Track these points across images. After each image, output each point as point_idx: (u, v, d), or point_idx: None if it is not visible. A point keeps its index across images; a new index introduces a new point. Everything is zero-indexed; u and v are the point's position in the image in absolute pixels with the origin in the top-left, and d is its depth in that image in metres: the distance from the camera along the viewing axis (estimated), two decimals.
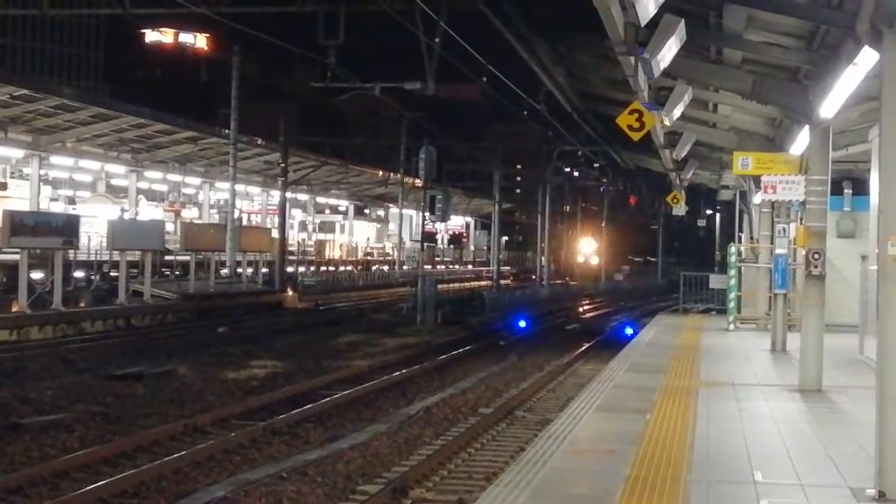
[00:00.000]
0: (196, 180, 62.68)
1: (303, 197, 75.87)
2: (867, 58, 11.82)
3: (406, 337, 37.91)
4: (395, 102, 54.22)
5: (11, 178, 53.21)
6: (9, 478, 14.40)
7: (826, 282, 17.69)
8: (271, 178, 63.00)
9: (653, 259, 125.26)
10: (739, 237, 41.16)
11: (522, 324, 44.26)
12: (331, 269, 67.72)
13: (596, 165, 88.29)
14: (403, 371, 27.15)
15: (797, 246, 26.00)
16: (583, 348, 35.89)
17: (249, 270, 51.55)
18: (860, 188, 30.80)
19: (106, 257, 42.15)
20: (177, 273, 46.89)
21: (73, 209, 53.96)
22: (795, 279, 26.75)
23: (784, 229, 23.65)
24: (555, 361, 31.68)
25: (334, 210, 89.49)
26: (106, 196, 59.82)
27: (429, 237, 51.08)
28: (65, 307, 34.61)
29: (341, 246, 78.30)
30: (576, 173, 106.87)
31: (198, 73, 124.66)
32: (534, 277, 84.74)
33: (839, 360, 19.66)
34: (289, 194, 57.54)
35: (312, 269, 65.44)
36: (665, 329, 31.74)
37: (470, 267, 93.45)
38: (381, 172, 74.18)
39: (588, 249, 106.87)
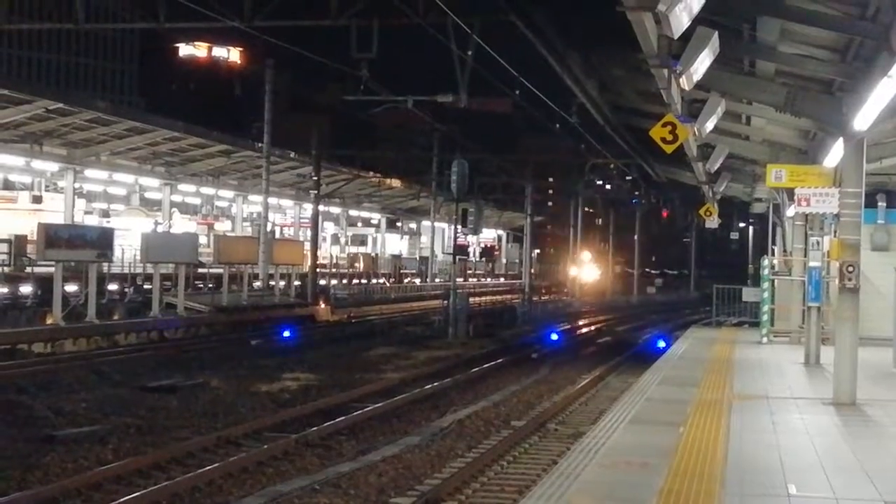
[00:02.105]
0: (229, 193, 62.96)
1: (335, 210, 76.06)
2: None
3: (438, 350, 37.90)
4: (427, 115, 54.27)
5: (46, 191, 53.61)
6: (44, 489, 14.47)
7: (860, 295, 17.59)
8: (304, 192, 63.17)
9: (684, 272, 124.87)
10: (772, 250, 40.96)
11: (554, 336, 44.21)
12: (363, 281, 67.74)
13: (628, 178, 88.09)
14: (435, 384, 27.14)
15: (831, 259, 25.86)
16: (615, 361, 35.84)
17: (282, 283, 51.62)
18: (894, 201, 30.64)
19: (139, 270, 42.32)
20: (210, 286, 47.02)
21: (108, 222, 54.30)
22: (829, 292, 26.60)
23: (818, 242, 23.54)
24: (587, 374, 31.63)
25: (366, 223, 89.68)
26: (140, 209, 60.19)
27: (461, 250, 50.98)
28: (99, 320, 34.74)
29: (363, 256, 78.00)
30: (608, 186, 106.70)
31: (231, 86, 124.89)
32: (566, 290, 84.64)
33: (873, 374, 19.54)
34: (321, 207, 57.63)
35: (345, 281, 65.52)
36: (698, 342, 31.61)
37: (502, 280, 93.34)
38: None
39: (587, 263, 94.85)
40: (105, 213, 60.54)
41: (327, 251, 72.60)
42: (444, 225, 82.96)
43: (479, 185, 76.45)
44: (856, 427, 15.43)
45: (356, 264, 73.20)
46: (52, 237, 32.95)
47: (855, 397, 17.42)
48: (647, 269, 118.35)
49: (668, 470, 11.86)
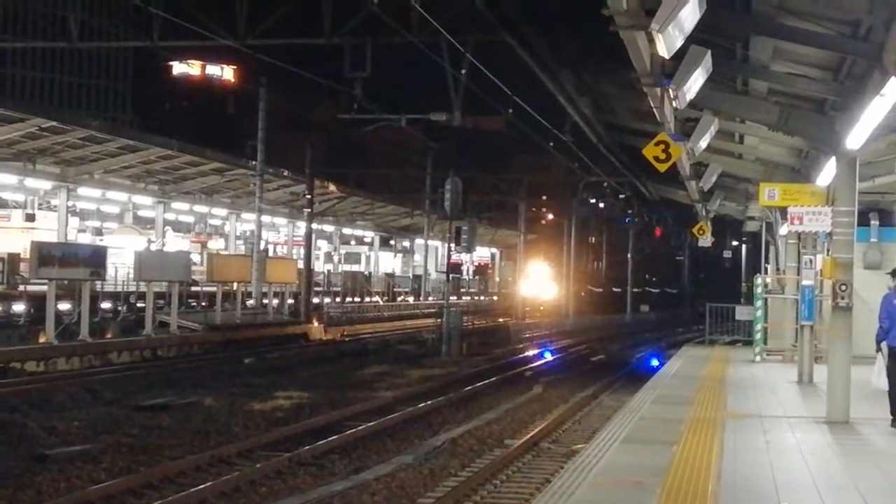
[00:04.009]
0: (222, 211, 62.91)
1: (329, 228, 76.04)
2: (894, 89, 11.81)
3: (431, 368, 37.86)
4: (421, 134, 54.36)
5: (39, 209, 53.51)
6: None
7: (853, 313, 17.60)
8: (297, 210, 63.16)
9: (672, 291, 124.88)
10: (765, 268, 41.01)
11: (548, 355, 44.21)
12: (356, 299, 67.73)
13: (621, 196, 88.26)
14: (429, 402, 27.10)
15: (824, 277, 25.90)
16: (608, 379, 35.84)
17: (275, 301, 51.60)
18: (887, 219, 30.70)
19: (133, 288, 42.27)
20: (203, 304, 46.99)
21: (101, 240, 54.20)
22: (822, 311, 26.64)
23: (810, 261, 23.59)
24: (580, 393, 31.62)
25: (360, 241, 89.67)
26: (133, 227, 60.04)
27: (454, 268, 51.01)
28: (92, 338, 34.70)
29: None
30: (601, 204, 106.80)
31: (225, 104, 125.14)
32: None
33: (866, 392, 19.53)
34: (315, 225, 57.61)
35: (338, 299, 65.49)
36: (691, 360, 31.63)
37: (495, 298, 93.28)
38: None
39: (539, 278, 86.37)
40: (98, 232, 60.47)
41: (321, 269, 72.53)
42: (438, 243, 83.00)
43: (473, 204, 76.53)
44: (849, 446, 15.43)
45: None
46: (45, 255, 32.91)
47: (848, 416, 17.43)
48: (645, 288, 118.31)
49: (662, 489, 11.85)
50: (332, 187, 56.63)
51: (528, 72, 25.47)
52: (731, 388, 23.37)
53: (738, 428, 16.72)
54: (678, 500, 11.33)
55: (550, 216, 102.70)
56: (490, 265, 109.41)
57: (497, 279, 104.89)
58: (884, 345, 17.00)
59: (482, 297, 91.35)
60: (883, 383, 17.13)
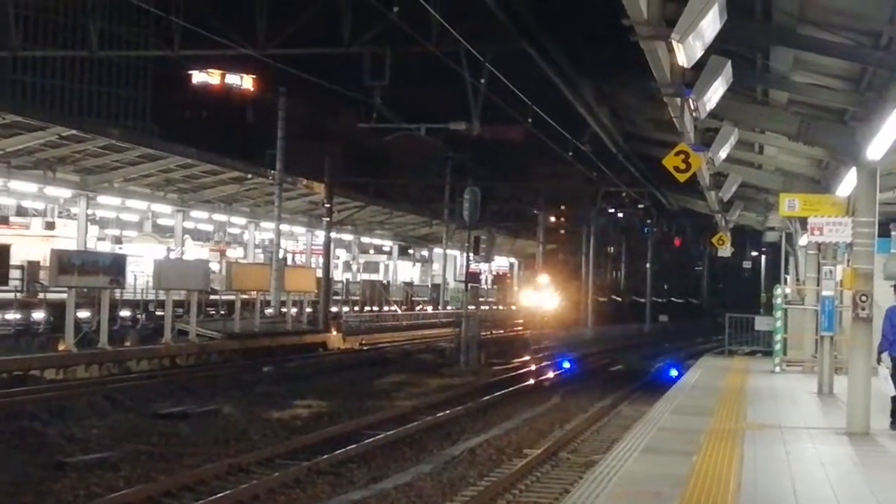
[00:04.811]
0: (241, 220, 63.06)
1: (347, 237, 76.11)
2: None
3: (450, 377, 37.85)
4: (440, 143, 54.36)
5: (59, 217, 53.77)
6: None
7: (873, 324, 17.54)
8: (316, 218, 63.25)
9: (691, 301, 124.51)
10: (785, 279, 40.91)
11: (566, 365, 44.16)
12: (374, 308, 67.73)
13: (641, 206, 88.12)
14: (447, 412, 27.08)
15: (844, 288, 25.80)
16: (627, 389, 35.77)
17: (294, 310, 51.62)
18: None
19: (152, 296, 42.35)
20: (222, 312, 47.04)
21: (120, 248, 54.38)
22: (842, 321, 26.54)
23: (830, 271, 23.51)
24: (599, 403, 31.58)
25: (378, 250, 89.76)
26: (152, 235, 60.30)
27: (473, 278, 50.95)
28: (111, 346, 34.76)
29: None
30: (620, 214, 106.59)
31: (244, 113, 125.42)
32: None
33: (887, 403, 19.46)
34: (334, 234, 57.67)
35: (356, 308, 65.52)
36: (710, 371, 31.55)
37: (514, 308, 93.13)
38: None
39: (542, 287, 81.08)
40: (117, 240, 60.72)
41: (340, 278, 72.60)
42: (457, 252, 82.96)
43: (491, 213, 76.54)
44: (869, 457, 15.38)
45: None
46: (65, 263, 32.97)
47: (869, 427, 17.36)
48: (670, 298, 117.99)
49: (681, 500, 11.82)
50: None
51: (548, 81, 25.52)
52: (751, 398, 23.30)
53: (757, 439, 16.66)
54: None
55: (569, 226, 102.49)
56: (509, 275, 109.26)
57: (516, 289, 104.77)
58: (885, 356, 17.15)
59: (500, 307, 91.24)
60: (890, 388, 17.24)
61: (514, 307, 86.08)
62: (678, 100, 15.22)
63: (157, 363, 36.40)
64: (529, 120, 37.15)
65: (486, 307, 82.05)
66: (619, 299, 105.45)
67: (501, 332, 61.90)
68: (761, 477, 13.37)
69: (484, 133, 38.46)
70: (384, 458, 20.46)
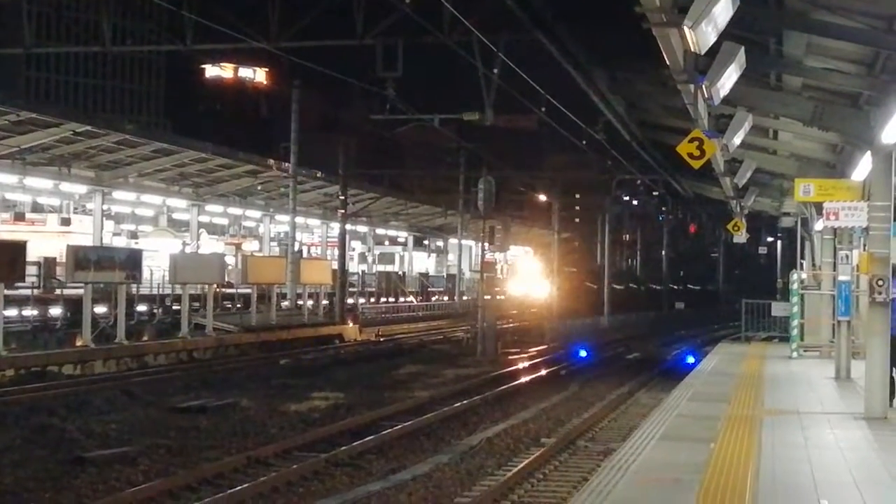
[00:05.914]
0: (256, 213, 63.14)
1: (362, 229, 76.14)
2: None
3: (467, 367, 37.86)
4: (453, 133, 54.37)
5: (75, 213, 53.87)
6: None
7: (890, 308, 17.51)
8: (331, 211, 63.30)
9: (708, 288, 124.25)
10: (801, 264, 40.83)
11: (583, 353, 44.14)
12: (390, 300, 67.80)
13: (655, 194, 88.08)
14: (464, 402, 27.08)
15: (860, 272, 25.75)
16: (644, 377, 35.75)
17: (310, 302, 51.68)
18: None
19: (168, 291, 42.43)
20: (238, 306, 47.11)
21: (136, 243, 54.51)
22: (859, 306, 26.49)
23: (847, 256, 23.46)
24: (616, 390, 31.57)
25: (393, 241, 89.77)
26: (167, 230, 60.40)
27: (488, 267, 50.93)
28: (128, 341, 34.85)
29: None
30: (635, 202, 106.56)
31: (257, 107, 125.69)
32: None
33: None
34: (348, 226, 57.71)
35: (372, 300, 65.57)
36: (727, 357, 31.52)
37: (500, 298, 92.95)
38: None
39: (529, 275, 79.19)
40: (133, 235, 60.79)
41: (355, 269, 72.66)
42: (472, 242, 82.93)
43: (506, 202, 76.48)
44: (888, 441, 15.35)
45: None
46: (81, 259, 33.06)
47: (887, 412, 17.34)
48: (687, 285, 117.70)
49: (700, 486, 11.82)
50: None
51: (561, 70, 25.47)
52: (768, 384, 23.29)
53: (775, 424, 16.65)
54: (717, 497, 11.29)
55: (584, 214, 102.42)
56: (495, 261, 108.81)
57: (501, 276, 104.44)
58: None
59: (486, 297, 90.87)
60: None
61: (500, 297, 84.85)
62: (691, 86, 15.16)
63: (174, 357, 36.48)
64: (543, 109, 37.10)
65: (502, 296, 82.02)
66: (636, 287, 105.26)
67: (518, 320, 61.83)
68: (780, 463, 13.36)
69: (497, 123, 38.33)
70: (402, 448, 20.47)
